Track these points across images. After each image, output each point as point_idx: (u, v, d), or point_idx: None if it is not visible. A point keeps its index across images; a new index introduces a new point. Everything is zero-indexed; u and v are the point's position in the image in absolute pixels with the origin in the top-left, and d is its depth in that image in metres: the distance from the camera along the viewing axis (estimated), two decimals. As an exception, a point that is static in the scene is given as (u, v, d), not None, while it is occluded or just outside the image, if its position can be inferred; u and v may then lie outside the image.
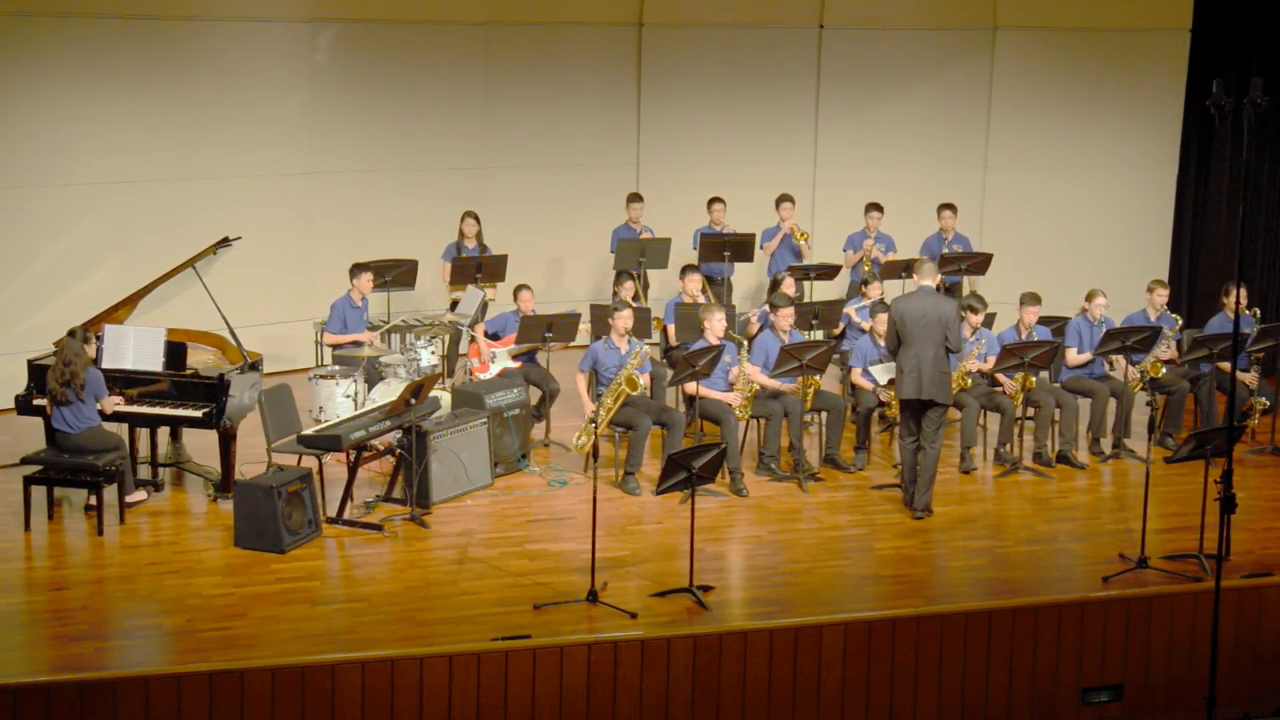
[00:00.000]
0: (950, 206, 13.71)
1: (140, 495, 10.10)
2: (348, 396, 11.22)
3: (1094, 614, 8.73)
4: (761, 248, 13.69)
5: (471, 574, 9.08)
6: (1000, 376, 11.24)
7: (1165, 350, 11.67)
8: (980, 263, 13.22)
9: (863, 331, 11.71)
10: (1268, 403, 11.56)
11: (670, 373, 10.89)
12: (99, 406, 9.74)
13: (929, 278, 10.17)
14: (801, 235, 13.57)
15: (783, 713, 8.33)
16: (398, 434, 10.06)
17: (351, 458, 9.97)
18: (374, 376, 11.51)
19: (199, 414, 10.03)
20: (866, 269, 13.41)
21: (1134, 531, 9.54)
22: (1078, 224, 14.68)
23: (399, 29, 14.00)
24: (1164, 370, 11.56)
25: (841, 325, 12.24)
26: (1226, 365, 11.23)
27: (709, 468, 8.78)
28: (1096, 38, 14.49)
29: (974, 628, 8.55)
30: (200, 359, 10.56)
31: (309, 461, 10.00)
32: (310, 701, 7.73)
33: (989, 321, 11.91)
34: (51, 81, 12.31)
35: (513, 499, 10.45)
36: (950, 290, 12.97)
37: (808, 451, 11.09)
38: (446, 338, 12.63)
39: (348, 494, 9.88)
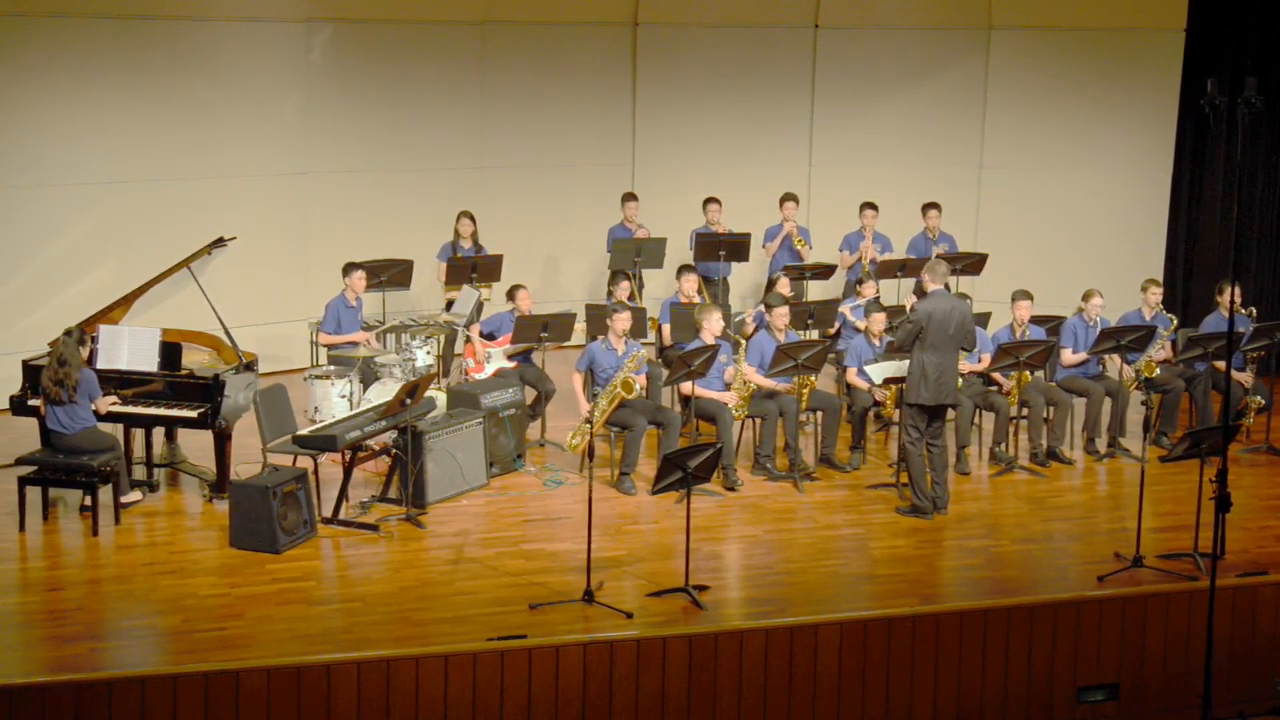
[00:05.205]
0: (935, 205, 13.74)
1: (135, 496, 10.09)
2: (343, 397, 11.22)
3: (1089, 613, 8.74)
4: (764, 246, 13.71)
5: (467, 574, 9.08)
6: (997, 376, 11.26)
7: (1160, 350, 11.69)
8: (975, 263, 13.24)
9: (858, 331, 11.71)
10: (1263, 401, 11.58)
11: (666, 372, 10.89)
12: (93, 407, 9.74)
13: (943, 279, 10.11)
14: (799, 243, 13.57)
15: (779, 712, 8.34)
16: (393, 434, 10.06)
17: (347, 458, 9.97)
18: (369, 376, 11.51)
19: (194, 414, 10.02)
20: (865, 270, 13.43)
21: (1129, 530, 9.56)
22: (1073, 223, 14.70)
23: (394, 29, 13.99)
24: (1159, 369, 11.58)
25: (837, 325, 12.24)
26: (1222, 364, 11.25)
27: (704, 467, 8.78)
28: (1091, 37, 14.51)
29: (970, 627, 8.56)
30: (195, 359, 10.56)
31: (304, 462, 10.00)
32: (306, 702, 7.73)
33: (982, 321, 11.93)
34: (46, 82, 12.30)
35: (508, 499, 10.46)
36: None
37: (803, 451, 11.09)
38: (442, 338, 12.63)
39: (343, 494, 9.87)
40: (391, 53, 14.00)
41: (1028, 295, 11.40)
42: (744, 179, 14.69)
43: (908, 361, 10.20)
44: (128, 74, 12.70)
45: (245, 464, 10.35)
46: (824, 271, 13.20)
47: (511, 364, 11.75)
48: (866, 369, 11.08)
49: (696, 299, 12.04)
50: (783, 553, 9.56)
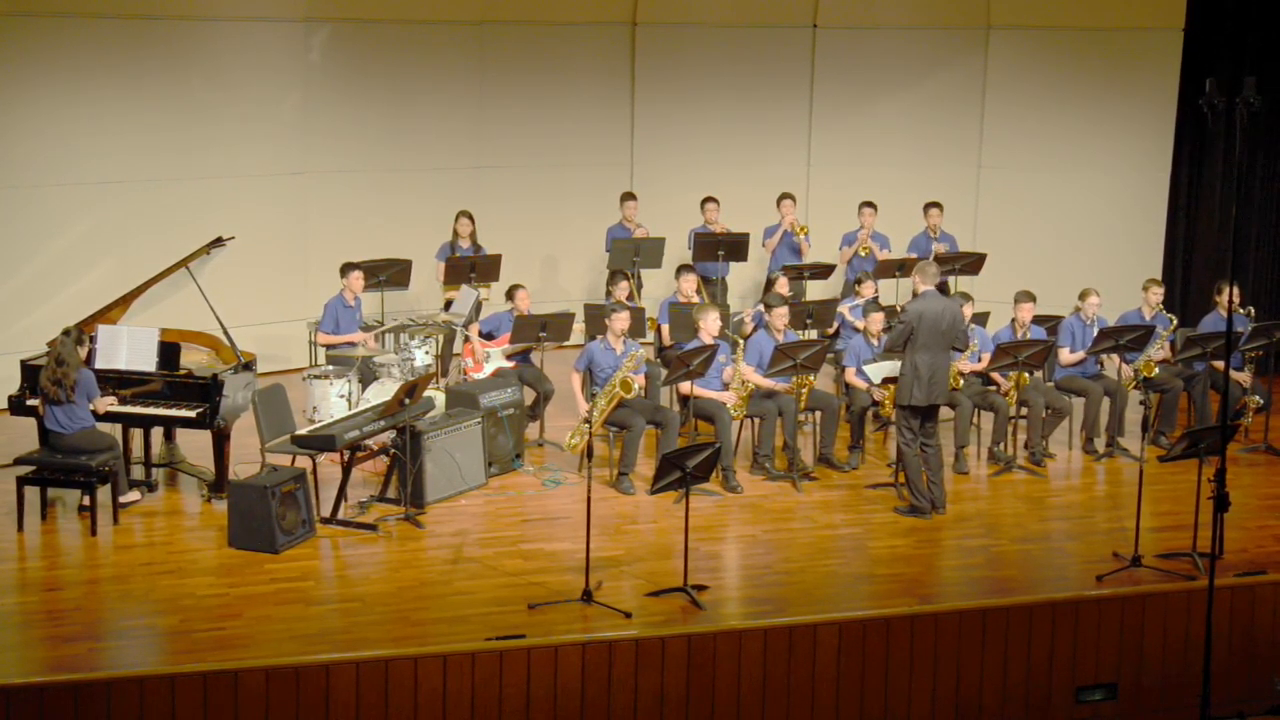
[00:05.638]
0: (936, 205, 13.76)
1: (134, 496, 10.09)
2: (342, 396, 11.22)
3: (1088, 613, 8.74)
4: (763, 244, 13.72)
5: (466, 574, 9.08)
6: (996, 375, 11.26)
7: (1159, 349, 11.69)
8: (974, 262, 13.24)
9: (856, 330, 11.72)
10: (1261, 401, 11.58)
11: (665, 372, 10.89)
12: (92, 407, 9.74)
13: (933, 280, 10.13)
14: (801, 229, 13.61)
15: (777, 712, 8.33)
16: (392, 434, 10.06)
17: (346, 458, 9.97)
18: (368, 376, 11.51)
19: (193, 414, 10.02)
20: (864, 253, 13.46)
21: (1128, 530, 9.56)
22: (1071, 222, 14.70)
23: (393, 28, 13.99)
24: (1158, 369, 11.58)
25: (835, 324, 12.24)
26: (1220, 364, 11.24)
27: (703, 467, 8.78)
28: (1090, 37, 14.51)
29: (968, 627, 8.56)
30: (194, 359, 10.55)
31: (303, 461, 10.00)
32: (305, 702, 7.72)
33: (982, 320, 11.93)
34: (45, 81, 12.30)
35: (507, 499, 10.45)
36: (942, 289, 12.99)
37: (802, 451, 11.09)
38: (440, 337, 12.63)
39: (342, 494, 9.87)
40: (390, 52, 13.99)
41: (1030, 297, 11.40)
42: (743, 179, 14.69)
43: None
44: (127, 74, 12.70)
45: (244, 464, 10.33)
46: (823, 271, 13.21)
47: (510, 364, 11.75)
48: (865, 369, 11.08)
49: (695, 299, 12.04)
50: (781, 552, 9.56)
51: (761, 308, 11.72)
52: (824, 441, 11.19)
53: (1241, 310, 11.79)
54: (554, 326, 11.48)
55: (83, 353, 9.82)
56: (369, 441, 10.10)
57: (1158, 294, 11.82)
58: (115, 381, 10.06)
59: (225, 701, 7.63)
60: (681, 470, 8.69)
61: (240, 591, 8.75)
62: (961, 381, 11.05)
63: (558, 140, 14.84)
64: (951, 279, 13.14)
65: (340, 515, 9.81)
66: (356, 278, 11.88)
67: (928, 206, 13.78)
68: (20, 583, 8.94)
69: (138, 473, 10.45)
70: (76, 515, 9.85)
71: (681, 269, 12.34)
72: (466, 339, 11.90)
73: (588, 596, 8.58)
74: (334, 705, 7.76)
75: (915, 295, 10.13)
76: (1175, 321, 12.00)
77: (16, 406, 10.25)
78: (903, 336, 9.97)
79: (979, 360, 11.29)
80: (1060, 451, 11.50)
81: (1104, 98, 14.48)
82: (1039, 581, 9.19)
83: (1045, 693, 8.69)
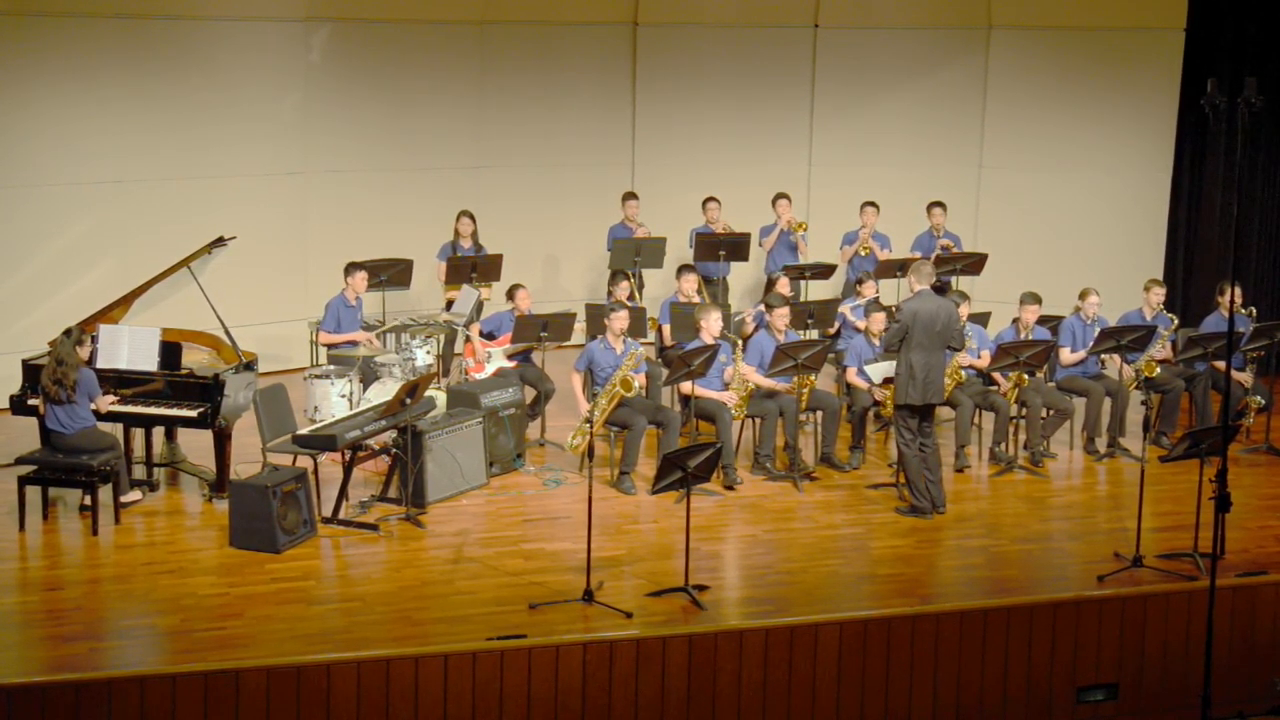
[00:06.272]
0: (940, 204, 13.76)
1: (135, 495, 10.09)
2: (343, 396, 11.22)
3: (1089, 613, 8.74)
4: (760, 244, 13.73)
5: (467, 573, 9.08)
6: (996, 375, 11.26)
7: (1160, 349, 11.69)
8: (975, 263, 13.24)
9: (857, 330, 11.71)
10: (1262, 401, 11.57)
11: (665, 372, 10.89)
12: (93, 406, 9.74)
13: (928, 280, 10.13)
14: (799, 226, 13.60)
15: (778, 712, 8.33)
16: (393, 434, 10.06)
17: (347, 457, 9.96)
18: (369, 376, 11.51)
19: (194, 414, 10.02)
20: (864, 253, 13.46)
21: (1129, 530, 9.56)
22: (1072, 223, 14.69)
23: (393, 28, 13.99)
24: (1159, 369, 11.58)
25: (836, 324, 12.24)
26: (1221, 364, 11.24)
27: (704, 467, 8.78)
28: (1091, 37, 14.51)
29: (969, 627, 8.56)
30: (195, 359, 10.55)
31: (304, 461, 10.00)
32: (306, 701, 7.72)
33: (982, 320, 11.93)
34: (44, 81, 12.30)
35: (508, 498, 10.45)
36: (942, 289, 12.98)
37: (803, 451, 11.09)
38: (441, 337, 12.63)
39: (343, 494, 9.87)
40: (391, 52, 14.00)
41: (1036, 299, 11.40)
42: (744, 179, 14.69)
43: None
44: (126, 73, 12.70)
45: (245, 463, 10.34)
46: (824, 271, 13.21)
47: (511, 363, 11.75)
48: (866, 369, 11.08)
49: (696, 299, 12.04)
50: (782, 552, 9.55)
51: (762, 307, 11.72)
52: (825, 441, 11.19)
53: (1243, 310, 11.78)
54: (555, 326, 11.48)
55: (84, 352, 9.81)
56: (370, 441, 10.10)
57: (1159, 294, 11.81)
58: (116, 381, 10.06)
59: (226, 701, 7.63)
60: (682, 470, 8.69)
61: (241, 591, 8.74)
62: (963, 375, 11.05)
63: (558, 140, 14.85)
64: (952, 279, 13.14)
65: (341, 515, 9.81)
66: (361, 278, 11.88)
67: (931, 206, 13.78)
68: (21, 582, 8.94)
69: (139, 472, 10.45)
70: (77, 515, 9.85)
71: (682, 269, 12.34)
72: (467, 339, 11.90)
73: (589, 596, 8.58)
74: (335, 705, 7.76)
75: (911, 294, 10.14)
76: (1176, 321, 12.00)
77: (17, 406, 10.25)
78: (897, 336, 9.98)
79: (978, 356, 11.29)
80: (1061, 451, 11.51)
81: (1105, 98, 14.47)
82: (1040, 582, 9.19)
83: (1046, 693, 8.69)
